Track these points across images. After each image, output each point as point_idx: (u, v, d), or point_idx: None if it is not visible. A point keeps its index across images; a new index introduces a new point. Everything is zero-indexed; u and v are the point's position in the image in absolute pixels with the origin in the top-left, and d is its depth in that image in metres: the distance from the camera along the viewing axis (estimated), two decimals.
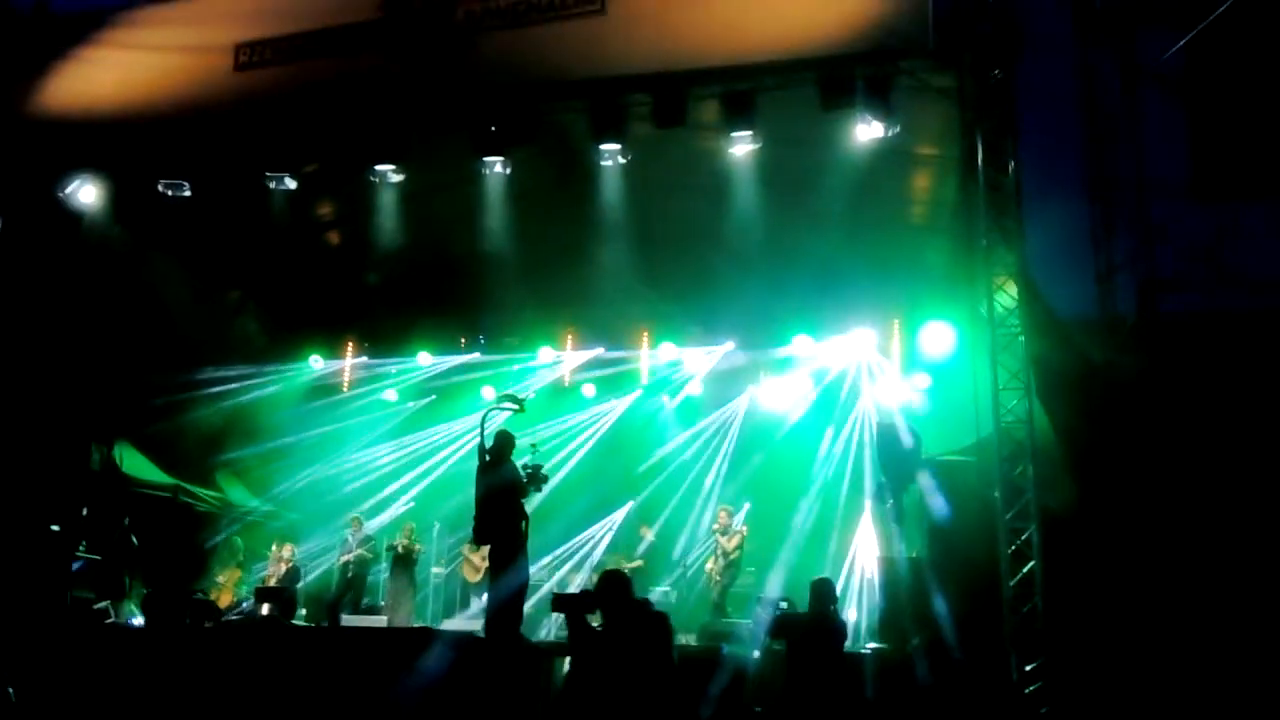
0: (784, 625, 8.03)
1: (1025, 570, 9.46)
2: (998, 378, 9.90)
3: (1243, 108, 10.94)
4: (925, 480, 10.74)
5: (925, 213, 12.33)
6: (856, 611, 12.82)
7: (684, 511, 15.10)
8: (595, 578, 6.75)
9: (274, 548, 14.43)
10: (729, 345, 15.56)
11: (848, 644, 8.96)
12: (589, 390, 16.41)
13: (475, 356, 16.21)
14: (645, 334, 15.57)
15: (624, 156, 11.33)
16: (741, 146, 11.08)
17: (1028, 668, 9.16)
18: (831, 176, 11.51)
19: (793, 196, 12.29)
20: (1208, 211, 11.36)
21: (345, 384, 16.57)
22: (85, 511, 12.45)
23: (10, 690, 8.63)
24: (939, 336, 12.92)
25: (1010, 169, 10.12)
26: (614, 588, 6.26)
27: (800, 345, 15.13)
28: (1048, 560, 9.42)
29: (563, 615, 6.14)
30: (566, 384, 16.25)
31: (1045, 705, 9.01)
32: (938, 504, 10.34)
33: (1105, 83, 11.66)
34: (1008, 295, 10.08)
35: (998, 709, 8.87)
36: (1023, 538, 9.53)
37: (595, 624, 6.24)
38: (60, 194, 12.63)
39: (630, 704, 5.95)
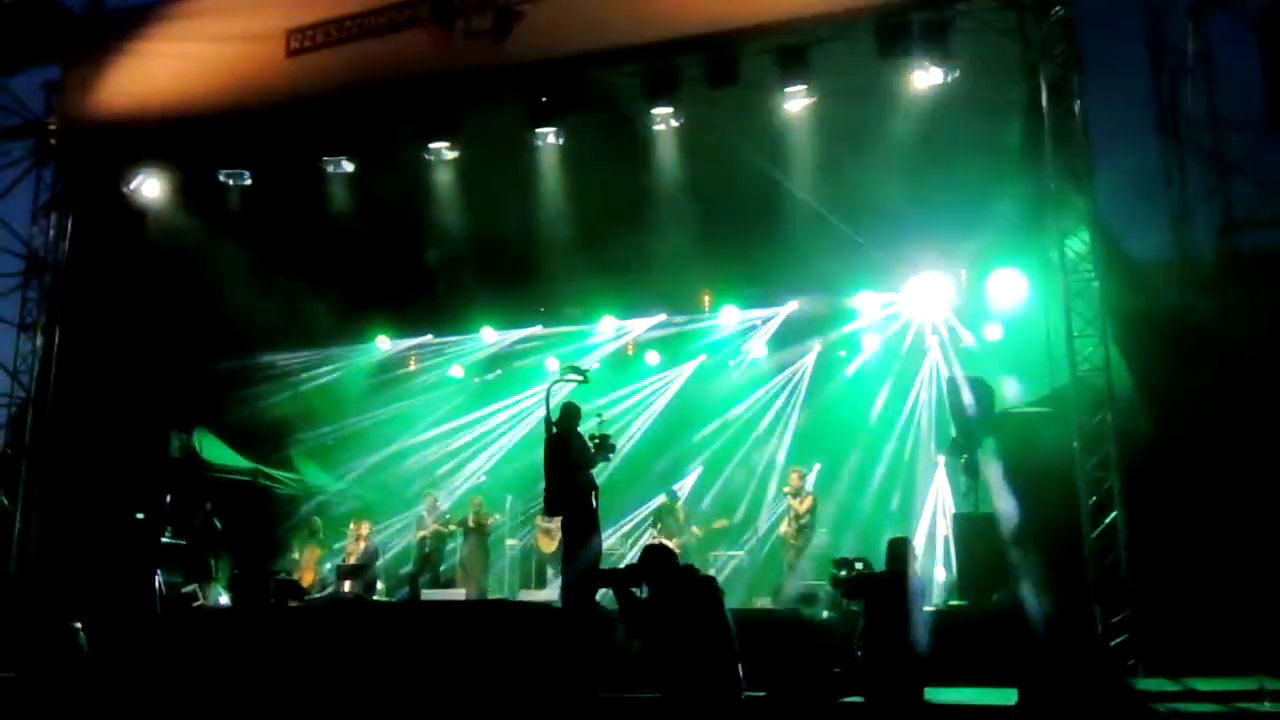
0: (861, 585, 7.93)
1: (1107, 521, 9.27)
2: (1072, 325, 9.67)
3: None
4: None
5: (991, 160, 12.00)
6: (944, 570, 12.65)
7: (754, 475, 14.97)
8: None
9: (352, 526, 14.66)
10: (793, 305, 15.40)
11: (930, 602, 8.81)
12: (653, 357, 16.37)
13: (537, 329, 16.25)
14: (707, 298, 15.43)
15: (677, 119, 11.21)
16: (796, 101, 10.89)
17: (1113, 620, 8.99)
18: (890, 127, 11.25)
19: (851, 150, 12.05)
20: None
21: (412, 362, 16.73)
22: (169, 498, 12.75)
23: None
24: (1010, 286, 12.64)
25: (1077, 110, 9.83)
26: (656, 559, 6.28)
27: (866, 300, 14.91)
28: (1131, 510, 9.22)
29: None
30: (630, 353, 16.22)
31: (1132, 657, 8.84)
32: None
33: (1173, 14, 11.22)
34: (1079, 240, 9.82)
35: (1084, 662, 8.71)
36: (1104, 488, 9.33)
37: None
38: (126, 189, 12.88)
39: (689, 669, 5.96)
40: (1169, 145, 10.90)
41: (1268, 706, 7.18)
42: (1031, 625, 8.57)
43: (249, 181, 12.54)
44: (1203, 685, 7.89)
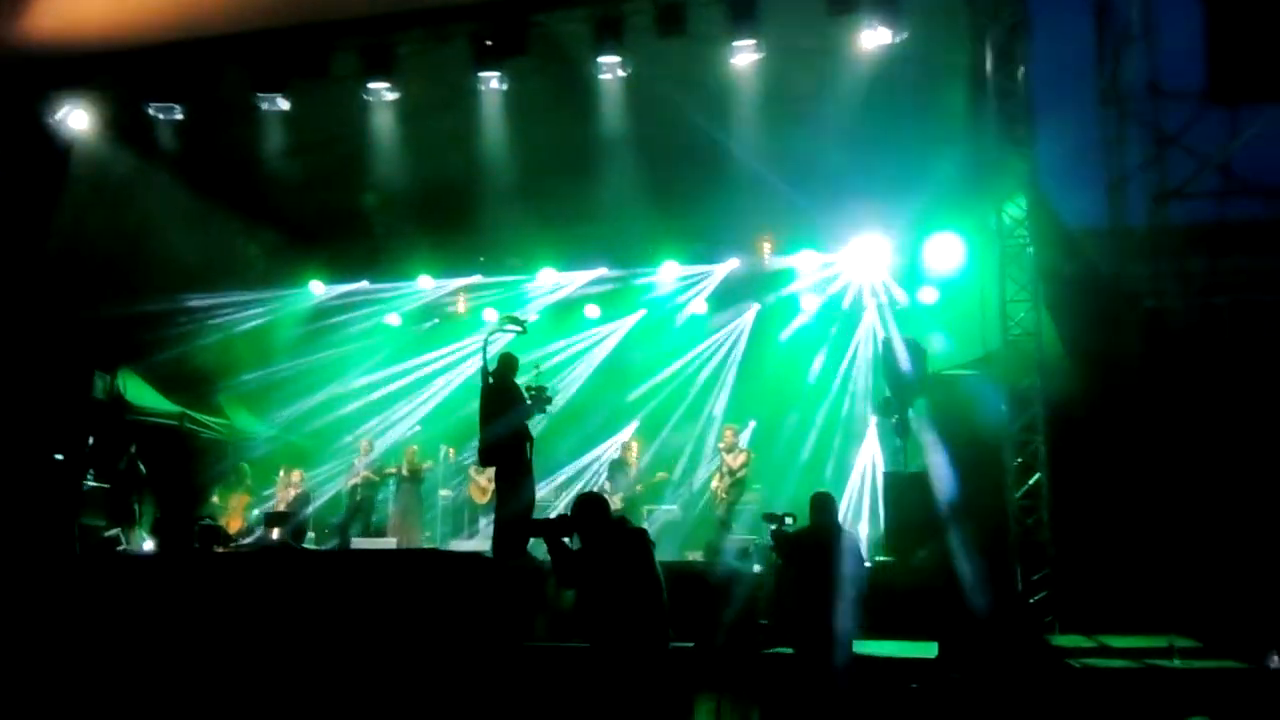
0: (784, 542, 7.98)
1: (1031, 482, 9.47)
2: (1006, 290, 9.80)
3: (1263, 6, 10.59)
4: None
5: (933, 123, 12.04)
6: (869, 526, 12.87)
7: (689, 431, 15.02)
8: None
9: (281, 473, 14.48)
10: (734, 262, 15.40)
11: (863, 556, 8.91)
12: (592, 311, 16.29)
13: (476, 279, 16.06)
14: (648, 253, 15.36)
15: (624, 69, 11.07)
16: (744, 56, 10.81)
17: (1033, 578, 9.21)
18: (837, 87, 11.25)
19: (797, 108, 12.03)
20: (1222, 117, 11.07)
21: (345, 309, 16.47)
22: (91, 440, 12.45)
23: None
24: (947, 249, 12.75)
25: (1020, 75, 9.89)
26: (589, 509, 6.25)
27: (805, 260, 14.97)
28: (1054, 472, 9.41)
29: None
30: (568, 305, 16.13)
31: (1050, 614, 9.08)
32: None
33: None
34: (1016, 206, 9.93)
35: (1003, 619, 8.91)
36: (1029, 450, 9.52)
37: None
38: (51, 120, 12.42)
39: (617, 620, 5.98)
40: (1109, 114, 11.01)
41: (1177, 663, 7.41)
42: (953, 581, 8.74)
43: (180, 116, 12.14)
44: (1116, 642, 8.14)
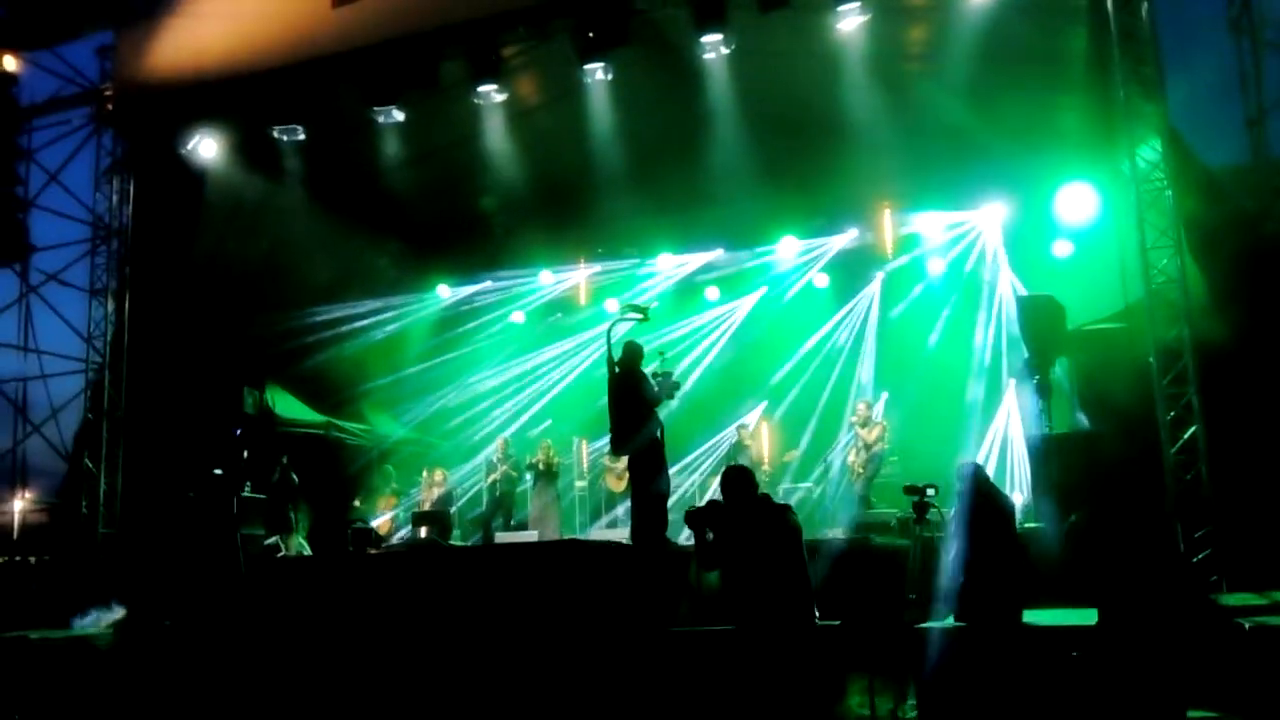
0: (963, 514, 7.79)
1: (1186, 436, 9.06)
2: (1145, 237, 9.38)
3: None
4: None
5: (1055, 71, 11.57)
6: (1021, 493, 12.49)
7: (822, 406, 14.83)
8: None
9: (425, 474, 14.90)
10: (853, 233, 15.13)
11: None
12: (713, 293, 16.25)
13: (596, 269, 16.21)
14: (766, 230, 15.22)
15: (727, 46, 10.98)
16: (851, 20, 10.59)
17: (1196, 535, 8.81)
18: (951, 41, 10.93)
19: (910, 67, 11.76)
20: None
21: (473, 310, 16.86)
22: (246, 454, 13.03)
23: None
24: (1080, 200, 12.27)
25: (1144, 13, 9.43)
26: (737, 483, 6.22)
27: (929, 222, 14.60)
28: (1209, 424, 8.98)
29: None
30: (689, 288, 16.13)
31: (1216, 572, 8.67)
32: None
33: None
34: (1151, 149, 9.48)
35: (1166, 580, 8.55)
36: (1182, 403, 9.11)
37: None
38: (183, 150, 13.01)
39: (763, 598, 5.94)
40: (1243, 45, 10.42)
41: None
42: (1110, 544, 8.42)
43: (302, 136, 12.58)
44: None
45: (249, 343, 13.97)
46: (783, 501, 12.64)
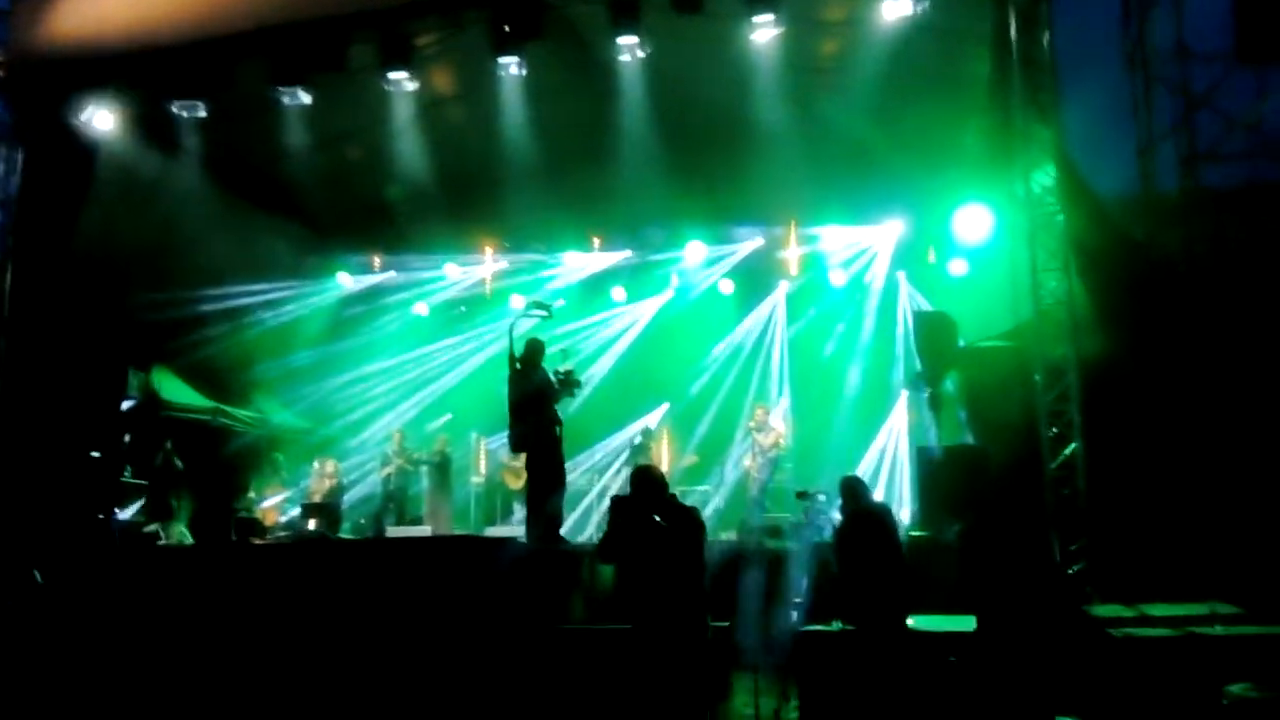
0: (836, 529, 7.97)
1: (1067, 452, 9.38)
2: (1036, 258, 9.69)
3: None
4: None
5: (957, 93, 11.91)
6: (906, 504, 12.81)
7: (719, 410, 14.98)
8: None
9: (316, 464, 14.60)
10: (758, 241, 15.33)
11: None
12: (619, 293, 16.28)
13: (503, 265, 16.09)
14: (673, 234, 15.32)
15: (642, 49, 11.00)
16: (764, 31, 10.72)
17: (1071, 548, 9.14)
18: (859, 60, 11.14)
19: (820, 81, 11.94)
20: (1251, 78, 10.89)
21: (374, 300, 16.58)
22: (128, 438, 12.59)
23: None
24: (976, 220, 12.63)
25: (1045, 41, 9.75)
26: (647, 482, 6.26)
27: (832, 235, 14.89)
28: (1089, 441, 9.32)
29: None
30: (594, 288, 16.13)
31: (1088, 584, 9.00)
32: None
33: None
34: (1045, 174, 9.81)
35: (1041, 591, 8.85)
36: (1064, 420, 9.43)
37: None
38: (77, 122, 12.51)
39: (664, 599, 5.98)
40: (1136, 77, 10.85)
41: (1219, 630, 7.32)
42: (990, 555, 8.69)
43: (203, 113, 12.21)
44: (1156, 610, 8.04)
45: (136, 323, 13.47)
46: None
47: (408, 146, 13.05)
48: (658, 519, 6.22)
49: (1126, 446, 9.40)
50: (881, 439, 14.12)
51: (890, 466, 13.79)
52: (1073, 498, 9.28)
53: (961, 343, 11.20)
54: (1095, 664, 7.34)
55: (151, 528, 12.15)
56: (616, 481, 14.84)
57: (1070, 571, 9.08)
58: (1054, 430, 9.45)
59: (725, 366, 15.37)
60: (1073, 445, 9.36)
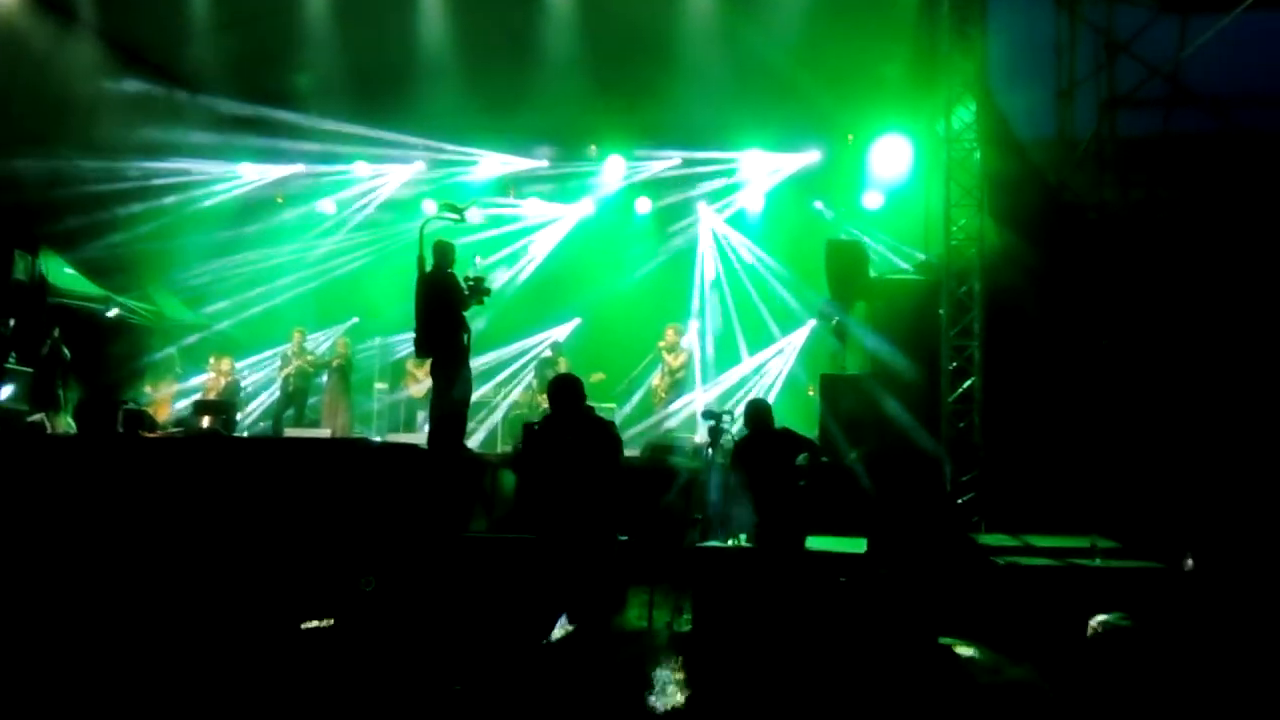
0: (743, 450, 8.04)
1: (965, 386, 9.59)
2: (950, 194, 9.76)
3: None
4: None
5: (884, 19, 11.83)
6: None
7: (632, 328, 14.92)
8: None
9: (212, 360, 14.18)
10: (675, 159, 15.16)
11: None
12: (534, 203, 15.99)
13: (416, 166, 15.61)
14: (591, 145, 15.06)
15: None
16: None
17: (963, 478, 9.39)
18: None
19: (744, 3, 11.75)
20: (1173, 26, 11.04)
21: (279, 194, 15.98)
22: (12, 323, 12.02)
23: None
24: (894, 153, 12.67)
25: None
26: (565, 391, 6.21)
27: (750, 160, 14.82)
28: (987, 377, 9.54)
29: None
30: (511, 195, 15.81)
31: (977, 514, 9.29)
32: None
33: None
34: (965, 109, 9.84)
35: (932, 517, 9.10)
36: (965, 355, 9.62)
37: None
38: None
39: (580, 507, 5.97)
40: (1062, 17, 10.91)
41: (1098, 562, 7.62)
42: (884, 481, 8.89)
43: None
44: (1040, 541, 8.34)
45: (23, 205, 12.78)
46: None
47: (320, 34, 12.46)
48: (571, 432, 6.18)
49: (1023, 384, 9.64)
50: (782, 363, 14.33)
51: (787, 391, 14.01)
52: (968, 431, 9.52)
53: (872, 275, 11.31)
54: (979, 589, 7.59)
55: (36, 417, 11.68)
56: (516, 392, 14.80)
57: (961, 501, 9.35)
58: (954, 364, 9.63)
59: (639, 285, 15.26)
60: (971, 380, 9.57)
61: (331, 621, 7.33)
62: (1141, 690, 6.01)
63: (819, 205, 14.87)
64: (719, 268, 15.37)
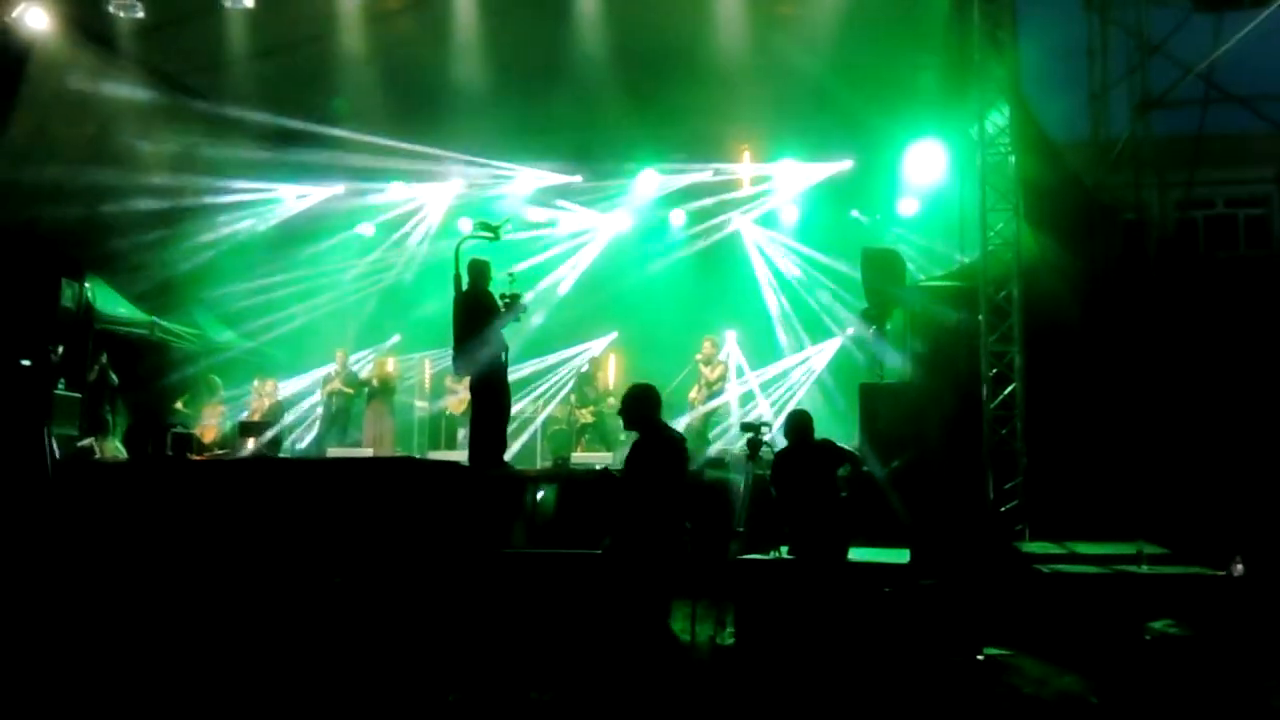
0: (781, 463, 8.03)
1: (1006, 392, 9.51)
2: (986, 199, 9.71)
3: None
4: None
5: (917, 29, 11.81)
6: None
7: (669, 340, 14.93)
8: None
9: (256, 383, 14.38)
10: (708, 172, 15.18)
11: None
12: (570, 219, 16.07)
13: (454, 186, 15.74)
14: (626, 160, 15.11)
15: None
16: None
17: (1006, 486, 9.32)
18: None
19: (778, 12, 11.77)
20: (1206, 24, 10.96)
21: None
22: (60, 349, 12.27)
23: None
24: (929, 159, 12.62)
25: None
26: (652, 403, 6.30)
27: (785, 170, 14.82)
28: (1029, 382, 9.46)
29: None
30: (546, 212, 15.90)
31: (1021, 522, 9.21)
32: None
33: None
34: (999, 114, 9.80)
35: (975, 527, 9.04)
36: (1005, 360, 9.55)
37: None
38: (8, 19, 11.96)
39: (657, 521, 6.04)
40: (1093, 20, 10.86)
41: (1144, 569, 7.54)
42: (927, 490, 8.84)
43: (141, 14, 11.75)
44: (1085, 549, 8.26)
45: (71, 232, 13.06)
46: (623, 435, 12.88)
47: (354, 58, 12.65)
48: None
49: (1064, 390, 9.56)
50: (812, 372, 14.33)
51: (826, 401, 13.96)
52: (1010, 437, 9.44)
53: (909, 282, 11.26)
54: (1024, 598, 7.53)
55: (85, 442, 11.92)
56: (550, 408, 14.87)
57: (1004, 509, 9.27)
58: (995, 371, 9.57)
59: (675, 297, 15.26)
60: (1012, 386, 9.49)
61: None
62: (1195, 698, 5.95)
63: (855, 213, 14.81)
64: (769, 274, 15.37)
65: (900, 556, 7.45)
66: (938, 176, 12.53)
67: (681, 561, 6.19)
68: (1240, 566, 7.71)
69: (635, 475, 6.21)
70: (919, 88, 12.53)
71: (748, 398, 14.37)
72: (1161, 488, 8.89)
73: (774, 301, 15.08)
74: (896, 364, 11.30)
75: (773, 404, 14.13)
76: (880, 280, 11.15)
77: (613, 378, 15.05)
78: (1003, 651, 6.98)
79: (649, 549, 6.09)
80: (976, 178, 9.84)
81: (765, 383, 14.51)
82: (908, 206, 13.91)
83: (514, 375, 10.99)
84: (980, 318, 9.65)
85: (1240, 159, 11.94)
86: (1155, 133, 10.98)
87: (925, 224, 13.46)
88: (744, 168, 15.08)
